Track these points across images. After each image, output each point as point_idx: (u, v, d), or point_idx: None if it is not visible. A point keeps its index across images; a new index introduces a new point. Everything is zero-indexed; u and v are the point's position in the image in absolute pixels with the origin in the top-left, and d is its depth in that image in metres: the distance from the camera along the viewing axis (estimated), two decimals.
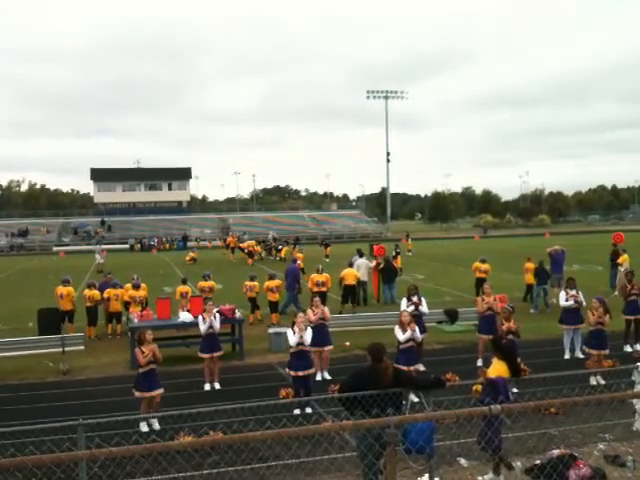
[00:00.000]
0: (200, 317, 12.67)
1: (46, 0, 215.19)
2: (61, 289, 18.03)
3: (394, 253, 28.30)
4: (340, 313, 19.10)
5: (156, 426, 9.96)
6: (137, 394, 10.13)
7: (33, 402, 11.61)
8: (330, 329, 13.22)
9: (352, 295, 20.57)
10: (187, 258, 43.66)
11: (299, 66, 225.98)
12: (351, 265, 21.69)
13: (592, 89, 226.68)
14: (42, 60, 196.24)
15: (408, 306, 12.99)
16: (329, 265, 28.29)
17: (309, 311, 12.73)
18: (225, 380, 12.52)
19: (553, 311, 18.08)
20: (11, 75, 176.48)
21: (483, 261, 22.27)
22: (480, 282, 18.75)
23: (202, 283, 19.14)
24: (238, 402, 9.71)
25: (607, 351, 11.92)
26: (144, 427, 9.89)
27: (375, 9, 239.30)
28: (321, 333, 12.33)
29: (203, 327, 12.40)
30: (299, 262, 25.04)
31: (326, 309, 13.04)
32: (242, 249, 45.58)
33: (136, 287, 17.91)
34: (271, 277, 19.38)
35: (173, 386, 11.22)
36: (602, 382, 11.32)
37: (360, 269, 21.70)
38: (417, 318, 12.88)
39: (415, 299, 13.32)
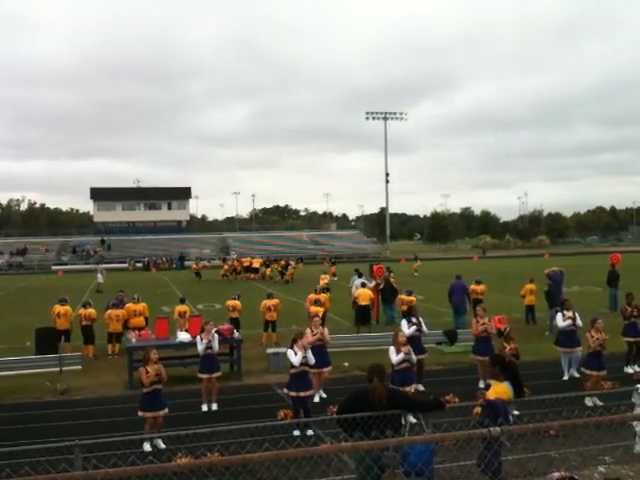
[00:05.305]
0: (198, 337, 12.63)
1: (42, 22, 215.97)
2: (58, 308, 17.99)
3: (390, 275, 28.27)
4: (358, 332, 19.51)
5: (161, 446, 9.87)
6: (141, 414, 10.06)
7: (29, 422, 11.51)
8: (328, 349, 13.16)
9: (367, 316, 20.54)
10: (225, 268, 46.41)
11: (292, 90, 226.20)
12: (364, 285, 21.77)
13: (574, 112, 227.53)
14: (39, 82, 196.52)
15: (409, 327, 12.97)
16: (332, 284, 28.20)
17: (307, 331, 12.63)
18: (223, 401, 12.44)
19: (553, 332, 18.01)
20: (9, 97, 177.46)
21: (478, 282, 22.08)
22: (476, 303, 18.67)
23: (230, 302, 19.55)
24: (236, 423, 9.67)
25: (605, 372, 11.92)
26: (147, 447, 9.77)
27: (363, 32, 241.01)
28: (320, 354, 12.22)
29: (201, 347, 12.35)
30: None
31: (325, 330, 12.98)
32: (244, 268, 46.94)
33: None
34: (269, 296, 19.37)
35: (170, 407, 11.11)
36: (599, 403, 11.25)
37: (359, 289, 21.69)
38: (417, 339, 12.89)
39: (414, 320, 13.31)
